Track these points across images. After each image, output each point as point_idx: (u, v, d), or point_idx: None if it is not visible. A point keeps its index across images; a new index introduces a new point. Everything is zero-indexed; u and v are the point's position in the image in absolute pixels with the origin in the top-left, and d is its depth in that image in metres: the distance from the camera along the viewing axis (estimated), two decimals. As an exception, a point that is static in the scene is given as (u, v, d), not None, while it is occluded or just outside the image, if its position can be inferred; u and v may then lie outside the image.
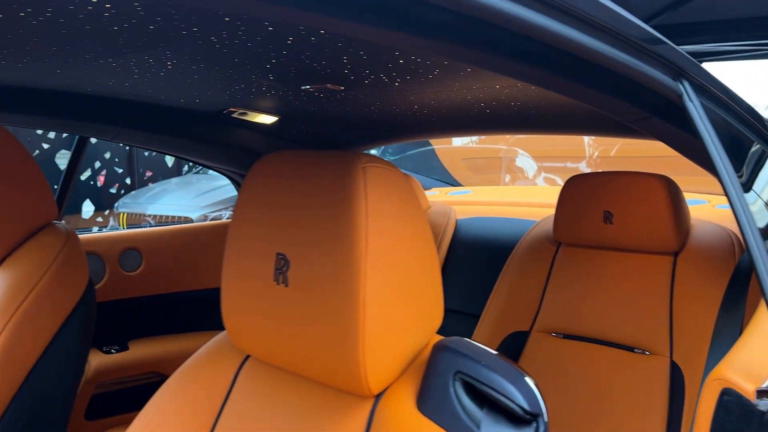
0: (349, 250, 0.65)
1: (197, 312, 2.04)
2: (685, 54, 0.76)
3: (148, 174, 7.90)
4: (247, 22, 0.86)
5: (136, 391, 1.83)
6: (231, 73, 1.24)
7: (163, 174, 7.81)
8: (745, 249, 1.40)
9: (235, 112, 1.72)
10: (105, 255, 1.83)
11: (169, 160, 8.02)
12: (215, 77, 1.27)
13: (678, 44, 0.81)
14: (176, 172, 7.91)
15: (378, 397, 0.69)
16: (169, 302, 1.95)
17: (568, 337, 1.49)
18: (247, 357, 0.84)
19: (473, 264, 1.85)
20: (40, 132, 6.53)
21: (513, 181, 4.98)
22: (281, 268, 0.72)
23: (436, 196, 2.34)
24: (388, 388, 0.69)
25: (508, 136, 5.90)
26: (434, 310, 0.75)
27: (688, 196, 1.61)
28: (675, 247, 1.40)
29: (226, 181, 2.41)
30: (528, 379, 0.66)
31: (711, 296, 1.33)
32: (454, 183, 2.68)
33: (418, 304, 0.71)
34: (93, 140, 5.15)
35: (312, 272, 0.69)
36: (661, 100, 0.79)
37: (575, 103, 1.06)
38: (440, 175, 2.91)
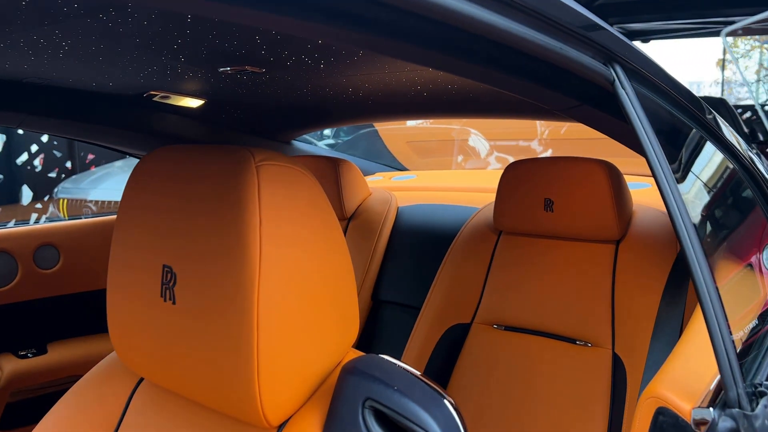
0: (239, 262, 0.57)
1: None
2: (618, 35, 0.69)
3: (90, 157, 7.57)
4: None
5: (57, 397, 1.71)
6: (137, 55, 1.12)
7: (107, 157, 7.49)
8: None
9: (156, 95, 1.60)
10: (17, 252, 1.69)
11: (112, 143, 7.69)
12: (121, 59, 1.16)
13: (621, 23, 0.75)
14: (120, 155, 7.61)
15: (280, 428, 0.61)
16: (89, 301, 1.82)
17: (509, 329, 1.44)
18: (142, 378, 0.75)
19: (415, 254, 1.78)
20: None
21: (465, 161, 4.95)
22: (168, 282, 0.63)
23: (379, 181, 2.26)
24: (290, 418, 0.62)
25: (460, 116, 5.86)
26: (346, 326, 0.67)
27: (631, 180, 1.57)
28: (616, 235, 1.36)
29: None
30: (447, 404, 0.59)
31: (653, 286, 1.30)
32: (400, 167, 2.60)
33: (326, 320, 0.63)
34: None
35: (200, 288, 0.60)
36: (592, 87, 0.72)
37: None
38: (386, 159, 2.82)
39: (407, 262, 1.78)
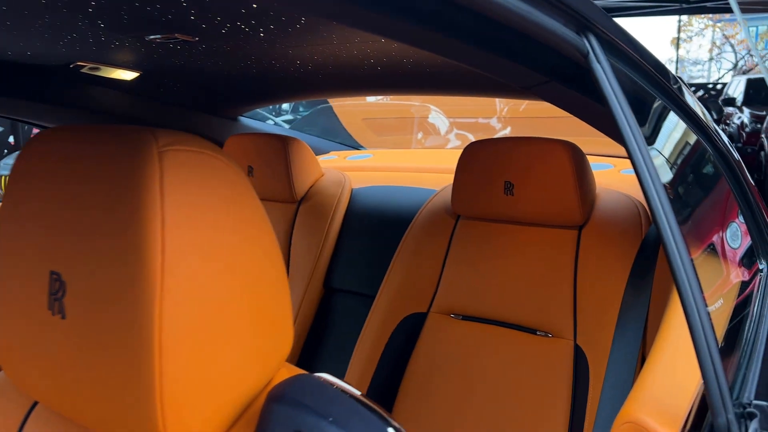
0: (137, 269, 0.46)
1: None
2: (593, 1, 0.60)
3: (35, 132, 7.20)
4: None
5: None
6: (49, 20, 0.99)
7: (51, 132, 7.14)
8: (651, 221, 1.30)
9: (84, 66, 1.45)
10: None
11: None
12: (34, 24, 1.02)
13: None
14: (66, 129, 7.26)
15: None
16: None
17: (467, 318, 1.37)
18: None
19: (369, 239, 1.68)
20: None
21: (425, 138, 4.86)
22: (56, 293, 0.52)
23: (333, 161, 2.15)
24: None
25: (420, 92, 5.77)
26: (276, 340, 0.57)
27: (593, 160, 1.50)
28: (579, 220, 1.29)
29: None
30: None
31: (617, 274, 1.24)
32: (356, 146, 2.49)
33: (248, 335, 0.53)
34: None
35: (93, 300, 0.49)
36: (563, 60, 0.63)
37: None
38: (343, 136, 2.70)
39: (361, 247, 1.69)
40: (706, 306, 0.60)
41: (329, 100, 3.15)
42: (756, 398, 0.64)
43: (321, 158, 2.19)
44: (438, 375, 1.35)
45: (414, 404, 1.34)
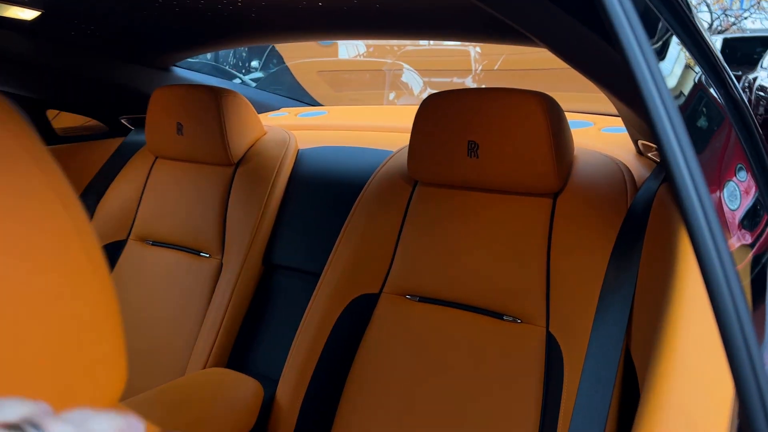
0: None
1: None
2: None
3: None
4: None
5: None
6: None
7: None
8: (638, 187, 1.11)
9: (-35, 2, 1.20)
10: None
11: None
12: None
13: None
14: None
15: None
16: None
17: (424, 300, 1.18)
18: None
19: (316, 208, 1.47)
20: None
21: (398, 98, 4.63)
22: None
23: (283, 118, 1.91)
24: None
25: (395, 49, 5.52)
26: (100, 375, 0.37)
27: (570, 117, 1.30)
28: (555, 186, 1.09)
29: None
30: None
31: (598, 248, 1.05)
32: (314, 104, 2.25)
33: (51, 375, 0.33)
34: None
35: None
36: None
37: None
38: (297, 94, 2.45)
39: (306, 218, 1.48)
40: (742, 289, 0.40)
41: (285, 57, 2.89)
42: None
43: (269, 115, 1.95)
44: (390, 365, 1.16)
45: (363, 398, 1.16)
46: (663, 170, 1.08)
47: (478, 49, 5.03)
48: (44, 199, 0.34)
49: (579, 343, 1.02)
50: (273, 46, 5.27)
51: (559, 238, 1.09)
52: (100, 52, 1.57)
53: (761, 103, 5.48)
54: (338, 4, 1.16)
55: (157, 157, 1.63)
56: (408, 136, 1.21)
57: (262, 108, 1.97)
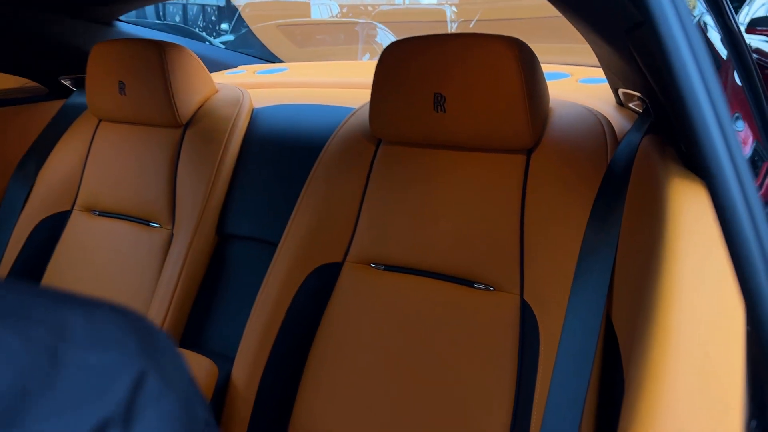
0: None
1: None
2: None
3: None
4: None
5: None
6: None
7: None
8: (618, 141, 1.02)
9: None
10: None
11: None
12: None
13: None
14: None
15: None
16: None
17: (390, 269, 1.09)
18: None
19: (272, 171, 1.36)
20: None
21: (372, 59, 4.48)
22: None
23: (239, 76, 1.78)
24: None
25: (369, 9, 5.36)
26: None
27: (546, 69, 1.20)
28: (529, 142, 1.00)
29: None
30: None
31: (575, 208, 0.97)
32: (274, 60, 2.11)
33: None
34: None
35: None
36: None
37: None
38: (269, 57, 2.30)
39: (262, 183, 1.37)
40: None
41: (242, 12, 2.72)
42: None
43: (225, 73, 1.82)
44: (355, 339, 1.08)
45: (326, 374, 1.08)
46: (646, 121, 0.99)
47: (453, 8, 5.00)
48: None
49: (555, 311, 0.94)
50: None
51: (533, 198, 1.00)
52: (33, 5, 1.42)
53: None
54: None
55: (100, 120, 1.50)
56: (368, 92, 1.11)
57: (221, 67, 1.84)
